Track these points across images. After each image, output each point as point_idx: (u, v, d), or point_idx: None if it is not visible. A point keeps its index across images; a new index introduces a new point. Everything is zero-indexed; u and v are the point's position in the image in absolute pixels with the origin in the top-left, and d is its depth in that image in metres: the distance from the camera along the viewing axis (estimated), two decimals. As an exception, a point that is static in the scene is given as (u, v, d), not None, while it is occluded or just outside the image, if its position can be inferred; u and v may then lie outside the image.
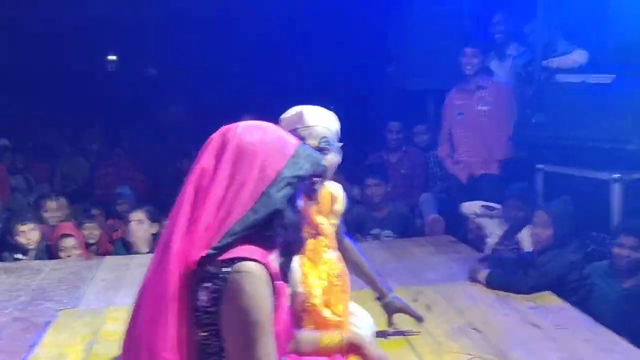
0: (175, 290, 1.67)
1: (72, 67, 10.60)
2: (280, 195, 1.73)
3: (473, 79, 5.72)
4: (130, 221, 5.54)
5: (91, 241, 5.81)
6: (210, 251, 1.67)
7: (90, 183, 8.78)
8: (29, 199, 7.43)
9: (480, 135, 5.72)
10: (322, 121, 2.70)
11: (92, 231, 5.84)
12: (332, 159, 2.69)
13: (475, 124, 5.74)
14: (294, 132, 1.98)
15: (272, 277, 1.72)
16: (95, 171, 8.98)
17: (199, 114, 8.78)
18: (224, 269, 1.66)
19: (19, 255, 5.39)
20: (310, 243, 2.71)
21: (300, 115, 2.69)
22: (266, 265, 1.70)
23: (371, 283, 3.29)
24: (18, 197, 7.60)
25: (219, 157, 1.76)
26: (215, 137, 1.81)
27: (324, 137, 2.67)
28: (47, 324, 3.82)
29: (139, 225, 5.50)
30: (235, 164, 1.74)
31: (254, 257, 1.68)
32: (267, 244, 1.78)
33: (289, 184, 1.76)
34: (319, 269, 2.76)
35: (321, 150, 2.61)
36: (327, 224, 2.82)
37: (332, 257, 2.79)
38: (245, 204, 1.70)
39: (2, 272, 4.94)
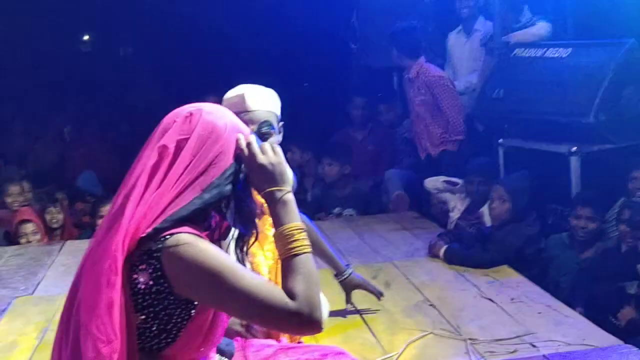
0: (117, 270, 1.62)
1: (45, 47, 10.46)
2: (228, 185, 1.72)
3: (409, 70, 5.70)
4: (102, 215, 5.49)
5: (54, 226, 5.76)
6: (150, 232, 1.64)
7: (59, 166, 8.70)
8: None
9: (427, 121, 5.67)
10: (263, 105, 2.69)
11: (55, 215, 5.78)
12: (273, 141, 2.68)
13: (420, 111, 5.71)
14: (237, 115, 1.97)
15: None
16: (65, 153, 8.91)
17: (170, 95, 8.69)
18: (157, 247, 1.64)
19: (-20, 243, 5.35)
20: None
21: (242, 99, 2.67)
22: (201, 236, 1.68)
23: (329, 261, 3.29)
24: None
25: (183, 139, 1.72)
26: (180, 117, 1.78)
27: (266, 121, 2.66)
28: (2, 311, 3.80)
29: None
30: (199, 147, 1.71)
31: (186, 230, 1.66)
32: (206, 227, 1.77)
33: (238, 173, 1.75)
34: (265, 248, 2.76)
35: (263, 135, 2.60)
36: None
37: None
38: (195, 189, 1.68)
39: (-38, 259, 4.90)
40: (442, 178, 5.39)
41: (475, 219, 5.04)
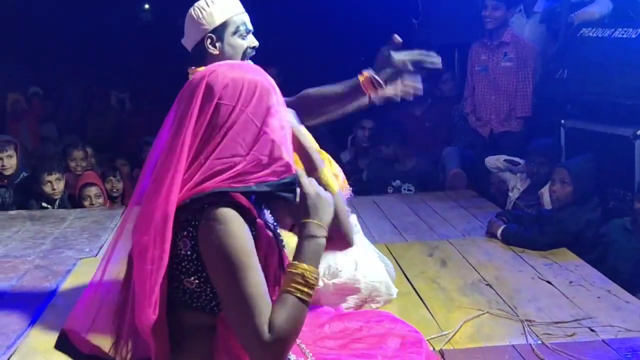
0: (168, 234, 1.66)
1: (104, 17, 10.60)
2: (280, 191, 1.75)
3: (496, 34, 5.61)
4: None
5: (114, 195, 5.90)
6: (194, 198, 1.67)
7: (118, 133, 8.87)
8: (58, 147, 7.54)
9: (501, 91, 5.63)
10: None
11: (116, 185, 5.92)
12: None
13: (497, 80, 5.65)
14: None
15: (251, 219, 1.74)
16: (124, 121, 9.07)
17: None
18: (197, 216, 1.67)
19: (45, 204, 5.49)
20: None
21: None
22: (242, 209, 1.71)
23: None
24: (48, 146, 7.70)
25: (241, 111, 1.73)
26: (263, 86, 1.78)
27: None
28: (67, 272, 3.91)
29: None
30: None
31: (232, 200, 1.69)
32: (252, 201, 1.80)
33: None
34: None
35: None
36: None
37: None
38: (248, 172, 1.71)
39: (28, 220, 5.05)
40: (504, 157, 5.35)
41: (535, 200, 5.00)
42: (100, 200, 5.58)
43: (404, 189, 5.84)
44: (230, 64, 1.84)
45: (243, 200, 1.73)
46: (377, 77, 2.86)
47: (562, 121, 5.14)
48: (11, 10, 9.68)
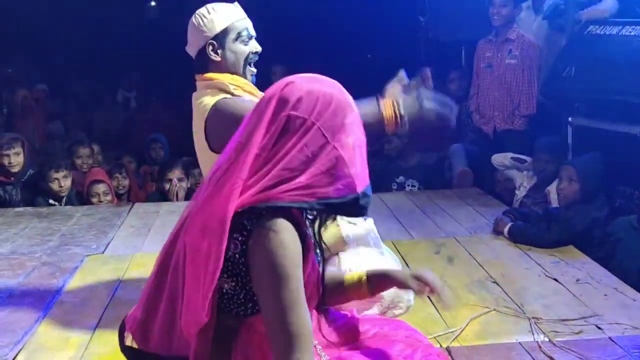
0: (224, 234, 1.66)
1: (110, 14, 10.62)
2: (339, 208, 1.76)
3: (502, 31, 5.60)
4: (170, 179, 5.62)
5: (120, 192, 5.92)
6: (252, 206, 1.68)
7: (125, 131, 8.89)
8: (64, 145, 7.56)
9: (505, 88, 5.62)
10: None
11: (122, 182, 5.94)
12: None
13: (502, 77, 5.64)
14: None
15: (302, 231, 1.74)
16: (131, 119, 9.10)
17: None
18: (252, 221, 1.68)
19: (52, 201, 5.51)
20: None
21: None
22: (296, 222, 1.71)
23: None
24: (56, 143, 7.73)
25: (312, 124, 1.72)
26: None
27: None
28: (75, 269, 3.92)
29: (181, 183, 5.58)
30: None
31: (281, 213, 1.69)
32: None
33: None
34: None
35: None
36: None
37: None
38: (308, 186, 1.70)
39: (35, 217, 5.06)
40: (510, 155, 5.35)
41: (541, 197, 5.00)
42: (109, 197, 5.60)
43: (408, 185, 5.83)
44: (309, 77, 1.81)
45: (297, 213, 1.74)
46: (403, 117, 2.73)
47: (570, 119, 5.14)
48: (18, 8, 9.71)
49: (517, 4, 5.61)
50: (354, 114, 1.78)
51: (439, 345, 2.83)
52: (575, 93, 5.02)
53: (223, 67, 3.00)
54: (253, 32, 3.03)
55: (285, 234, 1.66)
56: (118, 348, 1.99)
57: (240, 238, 1.69)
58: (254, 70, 3.08)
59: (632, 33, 4.78)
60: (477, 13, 6.17)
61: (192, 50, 3.05)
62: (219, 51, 2.97)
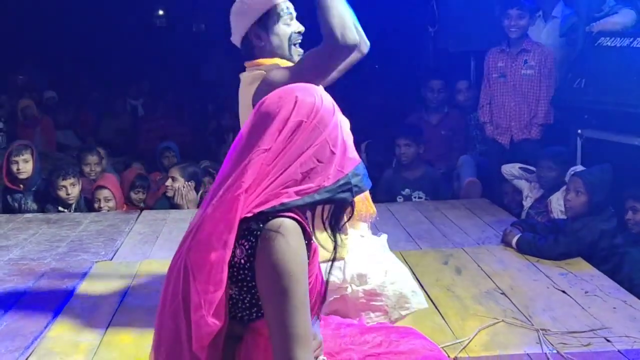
0: (232, 233, 1.69)
1: (120, 22, 10.69)
2: (340, 194, 1.78)
3: (517, 42, 5.59)
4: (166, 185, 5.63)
5: (135, 204, 5.90)
6: (258, 212, 1.70)
7: (134, 138, 8.92)
8: (72, 152, 7.58)
9: (523, 99, 5.61)
10: None
11: (140, 197, 5.92)
12: None
13: (518, 88, 5.62)
14: None
15: (308, 235, 1.77)
16: (140, 126, 9.13)
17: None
18: (259, 226, 1.70)
19: (61, 208, 5.52)
20: None
21: None
22: (302, 223, 1.74)
23: None
24: (65, 151, 7.77)
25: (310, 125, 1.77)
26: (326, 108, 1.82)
27: None
28: (83, 275, 3.93)
29: (189, 189, 5.58)
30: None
31: (288, 215, 1.71)
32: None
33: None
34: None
35: None
36: None
37: None
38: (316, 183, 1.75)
39: (44, 223, 5.09)
40: (519, 165, 5.34)
41: (543, 207, 5.00)
42: (110, 203, 5.57)
43: (415, 197, 5.83)
44: (294, 85, 1.86)
45: (302, 217, 1.76)
46: None
47: (579, 131, 5.14)
48: (28, 17, 9.79)
49: (532, 14, 5.61)
50: (337, 113, 1.83)
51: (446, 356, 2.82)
52: (585, 105, 5.02)
53: (269, 51, 2.91)
54: (293, 11, 2.95)
55: (292, 236, 1.69)
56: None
57: (246, 244, 1.71)
58: (301, 51, 2.96)
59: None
60: (487, 24, 6.20)
61: (236, 38, 2.98)
62: (262, 35, 2.90)
